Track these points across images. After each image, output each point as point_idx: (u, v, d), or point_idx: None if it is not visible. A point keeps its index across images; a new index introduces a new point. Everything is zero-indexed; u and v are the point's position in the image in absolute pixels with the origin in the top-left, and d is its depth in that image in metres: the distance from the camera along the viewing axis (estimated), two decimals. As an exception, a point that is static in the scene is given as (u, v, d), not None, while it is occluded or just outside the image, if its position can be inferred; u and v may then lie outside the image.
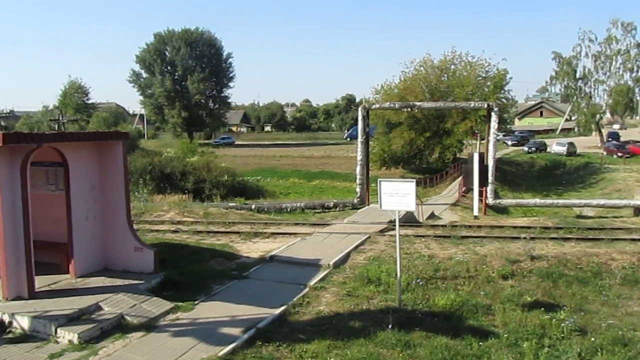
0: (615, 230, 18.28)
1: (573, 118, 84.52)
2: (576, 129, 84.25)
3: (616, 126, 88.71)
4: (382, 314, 10.26)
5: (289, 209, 27.88)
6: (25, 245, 10.07)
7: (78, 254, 11.54)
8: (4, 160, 9.85)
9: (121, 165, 12.01)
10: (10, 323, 9.41)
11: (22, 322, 9.33)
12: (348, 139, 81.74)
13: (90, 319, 9.54)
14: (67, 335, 8.95)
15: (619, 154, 56.02)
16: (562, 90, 68.95)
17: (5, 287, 10.02)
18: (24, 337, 9.13)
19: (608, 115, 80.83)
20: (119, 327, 9.55)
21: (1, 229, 9.85)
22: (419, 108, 34.91)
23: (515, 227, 18.60)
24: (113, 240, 12.19)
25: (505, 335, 9.37)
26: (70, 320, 9.39)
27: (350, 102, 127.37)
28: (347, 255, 14.50)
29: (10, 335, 9.21)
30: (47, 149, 10.77)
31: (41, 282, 10.75)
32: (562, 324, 9.64)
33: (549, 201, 32.30)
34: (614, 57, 61.76)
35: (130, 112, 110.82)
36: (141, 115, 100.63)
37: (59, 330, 9.06)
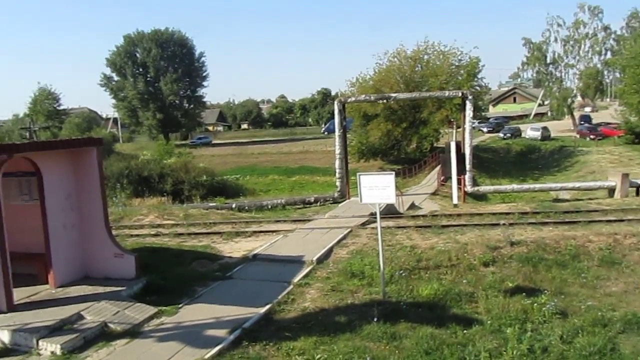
0: (591, 212, 18.62)
1: (546, 103, 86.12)
2: (549, 114, 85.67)
3: (588, 109, 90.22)
4: (367, 307, 10.30)
5: (269, 206, 27.85)
6: (2, 257, 9.85)
7: (57, 263, 11.35)
8: (-25, 172, 9.62)
9: (96, 172, 11.82)
10: (-10, 338, 9.22)
11: (2, 336, 9.15)
12: (325, 133, 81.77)
13: (73, 329, 9.39)
14: (49, 347, 8.80)
15: (592, 137, 57.02)
16: (534, 75, 70.19)
17: (-17, 301, 9.82)
18: (5, 352, 8.95)
19: (579, 98, 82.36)
20: (103, 335, 9.42)
21: (-24, 242, 9.65)
22: (395, 99, 35.11)
23: (494, 214, 18.81)
24: (92, 247, 12.00)
25: (489, 322, 9.49)
26: (52, 331, 9.24)
27: (326, 96, 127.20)
28: (330, 250, 14.52)
29: (-10, 350, 9.04)
30: (19, 159, 10.55)
31: (20, 294, 10.54)
32: (544, 308, 9.79)
33: (525, 186, 32.78)
34: (582, 40, 62.88)
35: (104, 116, 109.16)
36: (115, 119, 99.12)
37: (40, 342, 8.90)
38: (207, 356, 8.43)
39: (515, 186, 32.29)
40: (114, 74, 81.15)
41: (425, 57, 48.71)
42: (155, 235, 17.63)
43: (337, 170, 29.24)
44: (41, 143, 11.73)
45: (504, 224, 15.90)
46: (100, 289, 11.14)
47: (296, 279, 12.20)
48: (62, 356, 8.63)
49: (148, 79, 79.66)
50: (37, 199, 11.33)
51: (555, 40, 63.78)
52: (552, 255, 13.07)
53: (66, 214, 11.66)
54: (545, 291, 10.83)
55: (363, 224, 17.82)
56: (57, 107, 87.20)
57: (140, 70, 79.86)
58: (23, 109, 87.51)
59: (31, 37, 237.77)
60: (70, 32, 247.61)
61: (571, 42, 63.28)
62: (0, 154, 9.70)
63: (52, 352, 8.74)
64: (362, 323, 9.51)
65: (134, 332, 9.49)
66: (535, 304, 9.99)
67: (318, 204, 28.21)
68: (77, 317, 9.79)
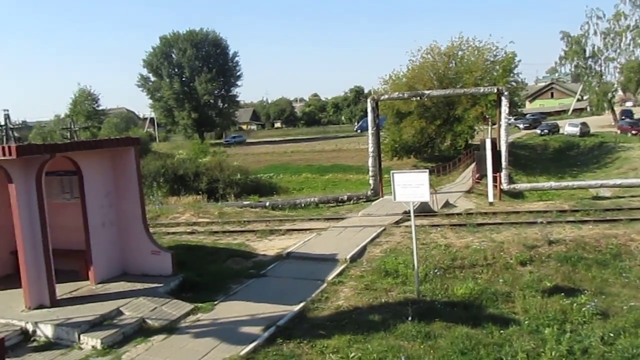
0: (634, 210, 18.08)
1: (585, 98, 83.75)
2: (588, 109, 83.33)
3: (629, 104, 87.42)
4: (401, 305, 10.24)
5: (303, 205, 27.94)
6: (45, 254, 10.20)
7: (97, 260, 11.67)
8: (19, 172, 9.97)
9: (134, 170, 12.09)
10: (34, 332, 9.54)
11: (46, 331, 9.46)
12: (358, 131, 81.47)
13: (112, 324, 9.65)
14: (90, 341, 9.06)
15: (633, 132, 55.18)
16: (572, 70, 68.24)
17: (27, 296, 10.17)
18: (48, 345, 9.25)
19: (620, 93, 79.89)
20: (141, 331, 9.65)
21: (20, 239, 10.00)
22: (428, 96, 34.72)
23: (531, 212, 18.46)
24: (130, 244, 12.30)
25: (526, 322, 9.33)
26: (93, 326, 9.50)
27: (358, 94, 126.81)
28: (364, 248, 14.49)
29: (34, 344, 9.34)
30: (61, 159, 10.88)
31: (62, 289, 10.88)
32: (583, 308, 9.57)
33: (564, 183, 31.92)
34: (623, 33, 60.80)
35: (141, 116, 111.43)
36: (151, 119, 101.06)
37: (82, 337, 9.18)
38: (242, 353, 8.52)
39: (552, 183, 31.51)
40: (150, 75, 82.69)
41: (460, 53, 47.95)
42: (191, 233, 17.93)
43: (370, 168, 29.09)
44: (82, 143, 12.05)
45: (541, 222, 15.59)
46: (138, 286, 11.39)
47: (330, 277, 12.22)
48: (102, 351, 8.86)
49: (183, 79, 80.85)
50: (77, 197, 11.67)
51: (595, 33, 61.86)
52: (592, 255, 12.75)
53: (105, 211, 11.97)
54: (585, 291, 10.58)
55: (397, 222, 17.72)
56: (97, 108, 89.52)
57: (176, 70, 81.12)
58: (64, 110, 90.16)
59: (72, 39, 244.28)
60: (109, 33, 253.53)
61: (611, 35, 61.30)
62: (43, 153, 10.01)
63: (92, 347, 8.99)
64: (396, 322, 9.46)
65: (171, 328, 9.68)
66: (575, 304, 9.78)
67: (351, 202, 28.14)
68: (117, 313, 10.04)
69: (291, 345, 8.84)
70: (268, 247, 15.64)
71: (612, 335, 8.69)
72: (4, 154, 9.36)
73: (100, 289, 11.41)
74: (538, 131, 64.35)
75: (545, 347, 8.30)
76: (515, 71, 48.73)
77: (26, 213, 10.02)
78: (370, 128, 29.47)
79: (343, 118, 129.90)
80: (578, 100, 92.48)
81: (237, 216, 20.96)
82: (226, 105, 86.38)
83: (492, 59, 47.13)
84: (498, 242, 14.00)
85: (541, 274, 11.79)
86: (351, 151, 59.25)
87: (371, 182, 28.93)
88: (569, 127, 60.07)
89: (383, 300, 10.75)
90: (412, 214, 10.86)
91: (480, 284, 11.27)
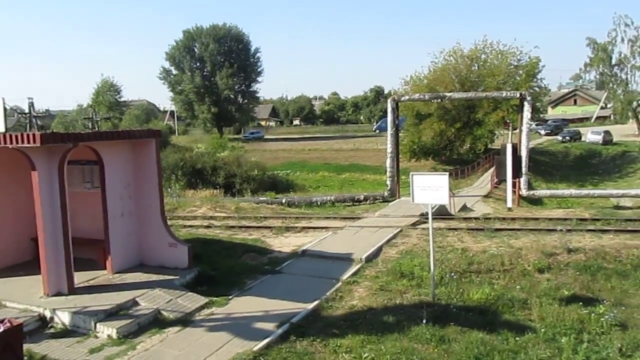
0: (656, 221, 17.74)
1: (609, 106, 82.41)
2: (612, 117, 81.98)
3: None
4: (415, 308, 10.18)
5: (319, 203, 27.98)
6: (65, 242, 10.32)
7: (114, 250, 11.78)
8: (42, 160, 10.10)
9: (154, 162, 12.18)
10: (52, 318, 9.66)
11: (63, 318, 9.58)
12: (377, 131, 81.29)
13: (128, 315, 9.73)
14: (106, 330, 9.15)
15: (658, 142, 54.25)
16: (597, 77, 67.29)
17: (46, 283, 10.30)
18: (65, 332, 9.37)
19: (646, 102, 78.32)
20: (156, 322, 9.72)
21: (41, 227, 10.13)
22: (449, 99, 34.52)
23: (550, 219, 18.23)
24: (148, 236, 12.39)
25: (543, 330, 9.19)
26: (109, 315, 9.60)
27: (378, 94, 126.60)
28: (380, 249, 14.44)
29: (52, 330, 9.47)
30: (83, 148, 10.99)
31: (80, 278, 11.00)
32: (602, 319, 9.40)
33: (584, 191, 31.53)
34: (651, 41, 59.75)
35: (161, 108, 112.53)
36: (172, 112, 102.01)
37: (98, 326, 9.27)
38: (255, 348, 8.54)
39: (573, 191, 31.16)
40: (172, 68, 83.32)
41: (483, 56, 47.61)
42: (208, 227, 18.03)
43: (388, 169, 29.00)
44: (104, 133, 12.15)
45: (560, 230, 15.38)
46: (155, 277, 11.48)
47: (345, 277, 12.20)
48: (117, 340, 8.94)
49: (205, 73, 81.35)
50: (98, 186, 11.79)
51: (622, 40, 60.94)
52: (612, 265, 12.54)
53: (124, 202, 12.07)
54: (604, 301, 10.38)
55: (413, 224, 17.62)
56: (118, 99, 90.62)
57: (198, 64, 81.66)
58: (86, 100, 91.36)
59: (97, 29, 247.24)
60: (134, 25, 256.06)
61: (639, 43, 60.32)
62: (66, 142, 10.12)
63: (108, 336, 9.08)
64: (410, 324, 9.39)
65: (185, 320, 9.73)
66: (593, 314, 9.60)
67: (367, 202, 28.09)
68: (133, 303, 10.12)
69: (304, 343, 8.83)
70: (284, 243, 15.66)
71: (630, 347, 8.52)
72: (28, 141, 9.48)
73: (117, 278, 11.52)
74: (559, 138, 63.56)
75: (561, 356, 8.18)
76: (538, 76, 48.30)
77: (48, 201, 10.14)
78: (389, 128, 29.38)
79: (362, 118, 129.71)
80: (602, 108, 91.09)
81: (253, 212, 21.02)
82: (246, 100, 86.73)
83: (515, 63, 46.75)
84: (516, 248, 13.84)
85: (559, 282, 11.63)
86: (369, 151, 59.11)
87: (388, 182, 28.85)
88: (591, 135, 59.24)
89: (398, 301, 10.68)
90: (430, 216, 10.78)
91: (497, 289, 11.14)
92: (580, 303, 10.27)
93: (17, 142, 9.58)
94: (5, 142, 9.72)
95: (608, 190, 33.16)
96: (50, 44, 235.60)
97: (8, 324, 7.61)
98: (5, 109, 11.00)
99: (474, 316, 9.89)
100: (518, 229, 16.38)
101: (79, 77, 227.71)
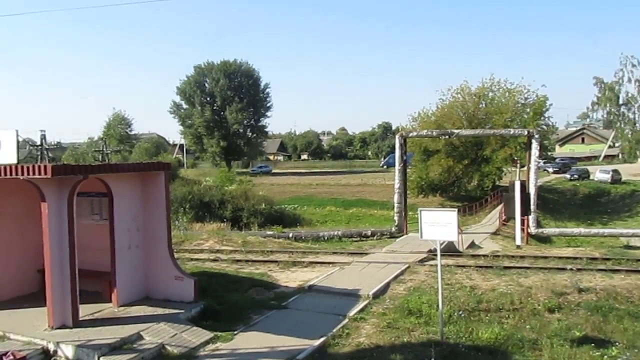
0: (668, 261, 17.47)
1: (617, 145, 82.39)
2: (620, 156, 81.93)
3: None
4: (423, 347, 10.00)
5: (326, 237, 27.87)
6: (71, 275, 10.29)
7: (120, 282, 11.72)
8: (53, 191, 10.17)
9: (163, 195, 12.23)
10: (55, 352, 9.56)
11: (67, 351, 9.47)
12: (385, 166, 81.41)
13: (132, 349, 9.62)
14: (110, 365, 9.03)
15: (667, 181, 53.90)
16: (605, 116, 67.36)
17: (51, 315, 10.23)
18: (68, 366, 9.25)
19: (654, 141, 78.22)
20: (160, 356, 9.60)
21: (48, 258, 10.13)
22: (457, 135, 34.64)
23: (560, 258, 18.01)
24: (154, 269, 12.34)
25: (554, 372, 8.99)
26: (113, 349, 9.49)
27: (386, 130, 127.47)
28: (387, 285, 14.29)
29: (55, 364, 9.36)
30: (93, 180, 11.07)
31: (85, 310, 10.93)
32: (615, 361, 9.20)
33: (594, 230, 31.25)
34: (658, 82, 60.07)
35: (171, 142, 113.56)
36: (181, 145, 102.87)
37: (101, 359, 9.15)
38: (260, 386, 8.39)
39: (582, 230, 30.86)
40: (182, 102, 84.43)
41: (490, 94, 47.90)
42: (214, 260, 17.95)
43: (396, 205, 28.95)
44: (114, 165, 12.26)
45: (571, 269, 15.19)
46: (160, 311, 11.38)
47: (351, 313, 12.04)
48: (120, 374, 8.81)
49: (214, 107, 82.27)
50: (106, 218, 11.81)
51: (629, 80, 61.30)
52: (624, 305, 12.32)
53: (132, 235, 12.08)
54: (617, 343, 10.17)
55: (421, 261, 17.47)
56: (129, 132, 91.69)
57: (208, 99, 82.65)
58: (97, 132, 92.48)
59: (110, 62, 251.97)
60: (145, 59, 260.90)
61: (646, 83, 60.63)
62: (77, 174, 10.21)
63: (111, 370, 8.95)
64: (418, 363, 9.22)
65: (189, 355, 9.61)
66: (605, 357, 9.42)
67: (375, 237, 27.95)
68: (137, 337, 10.02)
69: (310, 381, 8.67)
70: (290, 278, 15.54)
71: (645, 391, 8.32)
72: (39, 173, 9.57)
73: (122, 311, 11.43)
74: (568, 176, 63.28)
75: (574, 400, 7.98)
76: (546, 114, 48.41)
77: (56, 232, 10.17)
78: (397, 164, 29.46)
79: (370, 153, 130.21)
80: (610, 147, 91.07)
81: (260, 246, 20.95)
82: (255, 135, 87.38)
83: (523, 102, 46.95)
84: (525, 286, 13.65)
85: (570, 322, 11.42)
86: (376, 186, 59.05)
87: (396, 218, 28.75)
88: (600, 174, 59.01)
89: (405, 340, 10.51)
90: (438, 252, 10.70)
91: (507, 329, 10.95)
92: (592, 344, 10.07)
93: (28, 174, 9.68)
94: (16, 174, 9.81)
95: (618, 229, 32.82)
96: (63, 73, 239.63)
97: (11, 357, 7.55)
98: (17, 140, 11.14)
99: (484, 356, 9.71)
100: (527, 267, 16.18)
101: (91, 110, 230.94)
